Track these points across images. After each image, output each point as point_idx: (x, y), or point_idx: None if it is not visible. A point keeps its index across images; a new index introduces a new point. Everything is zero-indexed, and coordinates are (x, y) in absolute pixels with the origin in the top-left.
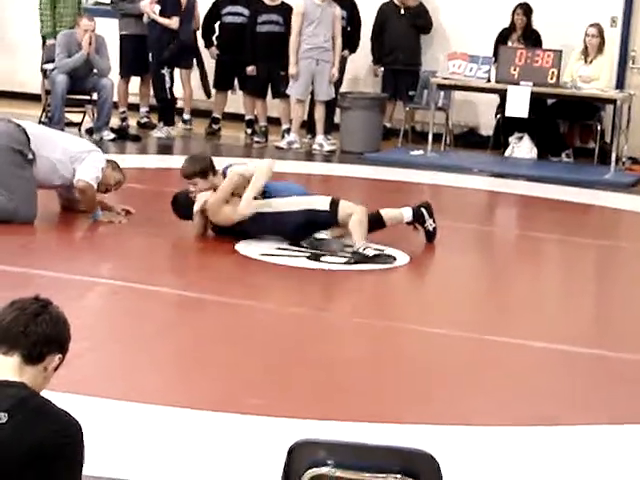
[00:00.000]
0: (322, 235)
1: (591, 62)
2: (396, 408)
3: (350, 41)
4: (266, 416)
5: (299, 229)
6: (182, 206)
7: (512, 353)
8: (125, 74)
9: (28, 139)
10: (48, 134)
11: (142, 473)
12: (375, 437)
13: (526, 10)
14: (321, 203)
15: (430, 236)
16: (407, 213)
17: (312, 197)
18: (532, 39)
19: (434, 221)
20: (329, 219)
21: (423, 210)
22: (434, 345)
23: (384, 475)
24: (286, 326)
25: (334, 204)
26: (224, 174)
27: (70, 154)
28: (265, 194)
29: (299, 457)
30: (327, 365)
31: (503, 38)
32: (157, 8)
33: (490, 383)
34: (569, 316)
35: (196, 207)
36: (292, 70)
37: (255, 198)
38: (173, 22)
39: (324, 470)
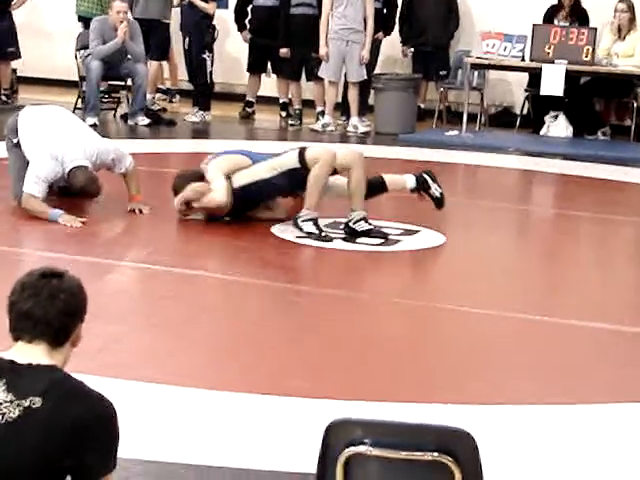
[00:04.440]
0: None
1: (624, 38)
2: (436, 388)
3: (385, 23)
4: (306, 397)
5: (286, 191)
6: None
7: (554, 332)
8: None
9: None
10: (40, 128)
11: (182, 456)
12: (414, 417)
13: None
14: (291, 160)
15: (439, 202)
16: (410, 180)
17: (281, 156)
18: (579, 17)
19: (439, 186)
20: (305, 175)
21: (426, 176)
22: (474, 325)
23: (421, 453)
24: (324, 308)
25: (302, 158)
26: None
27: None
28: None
29: (336, 436)
30: (366, 346)
31: (549, 16)
32: None
33: (532, 362)
34: (610, 294)
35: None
36: (322, 51)
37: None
38: (210, 7)
39: (361, 449)
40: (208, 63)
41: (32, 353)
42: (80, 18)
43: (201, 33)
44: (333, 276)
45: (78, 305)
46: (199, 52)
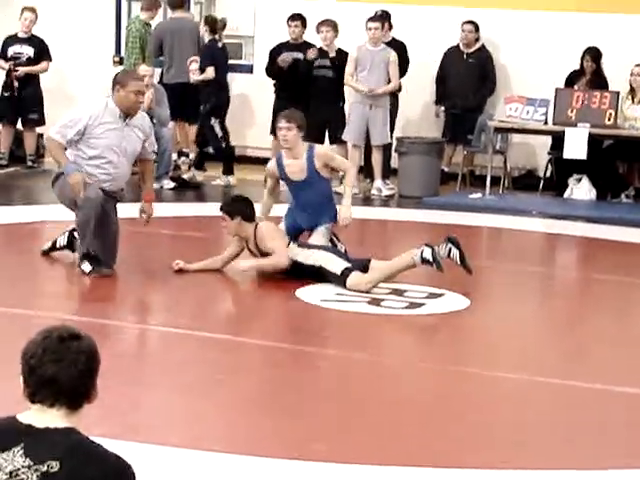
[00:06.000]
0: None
1: (639, 102)
2: (461, 453)
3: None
4: (330, 462)
5: (309, 277)
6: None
7: (581, 396)
8: None
9: None
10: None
11: None
12: None
13: (594, 55)
14: (336, 266)
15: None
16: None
17: (330, 256)
18: (600, 84)
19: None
20: (337, 282)
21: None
22: (499, 389)
23: None
24: (349, 372)
25: (344, 277)
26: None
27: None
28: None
29: None
30: (391, 410)
31: (571, 82)
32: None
33: (558, 427)
34: (635, 359)
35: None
36: (364, 88)
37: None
38: (207, 74)
39: None
40: (216, 129)
41: (51, 417)
42: None
43: (205, 100)
44: (357, 339)
45: (96, 365)
46: (206, 119)
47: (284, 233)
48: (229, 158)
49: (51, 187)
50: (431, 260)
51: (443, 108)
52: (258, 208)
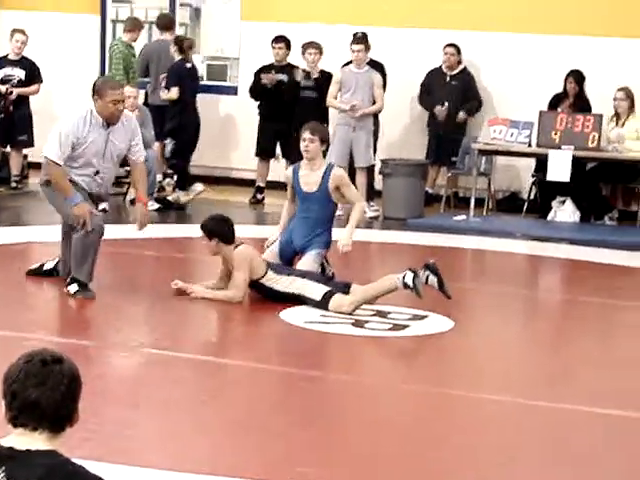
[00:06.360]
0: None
1: (623, 124)
2: (444, 475)
3: None
4: None
5: (288, 301)
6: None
7: (565, 418)
8: None
9: None
10: None
11: None
12: None
13: (577, 78)
14: (315, 292)
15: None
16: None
17: (308, 284)
18: (583, 107)
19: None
20: (319, 307)
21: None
22: (483, 411)
23: None
24: (333, 393)
25: (325, 301)
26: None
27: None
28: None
29: None
30: (373, 432)
31: (554, 105)
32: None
33: (542, 449)
34: (618, 381)
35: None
36: (346, 106)
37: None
38: (172, 94)
39: None
40: (167, 148)
41: (33, 440)
42: None
43: (170, 120)
44: (341, 361)
45: (78, 388)
46: (164, 138)
47: (261, 262)
48: (181, 175)
49: (40, 187)
50: (411, 286)
51: (446, 105)
52: (243, 229)
